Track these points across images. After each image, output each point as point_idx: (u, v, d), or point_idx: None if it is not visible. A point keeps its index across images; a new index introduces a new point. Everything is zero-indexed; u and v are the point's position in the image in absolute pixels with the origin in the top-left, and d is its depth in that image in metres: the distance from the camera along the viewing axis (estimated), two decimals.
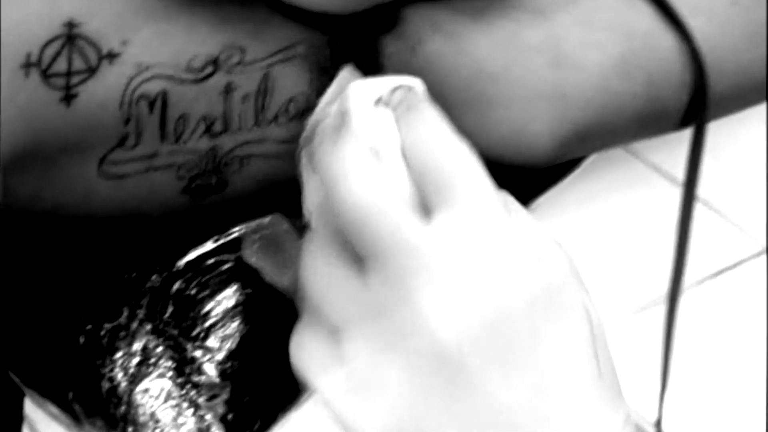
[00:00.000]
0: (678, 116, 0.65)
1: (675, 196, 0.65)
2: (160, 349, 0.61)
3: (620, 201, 2.03)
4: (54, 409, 0.63)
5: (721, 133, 0.75)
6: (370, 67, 0.57)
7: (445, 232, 0.51)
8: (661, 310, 0.68)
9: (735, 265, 1.95)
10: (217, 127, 0.58)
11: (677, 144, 0.68)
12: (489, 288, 0.51)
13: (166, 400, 0.61)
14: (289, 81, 0.58)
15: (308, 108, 0.58)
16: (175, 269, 0.64)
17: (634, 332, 1.83)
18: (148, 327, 0.61)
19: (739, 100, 0.67)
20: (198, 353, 0.62)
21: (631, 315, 1.87)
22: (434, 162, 0.52)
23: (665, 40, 0.62)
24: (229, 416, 0.61)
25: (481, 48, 0.61)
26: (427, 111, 0.54)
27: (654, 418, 0.72)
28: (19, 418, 0.76)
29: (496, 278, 0.51)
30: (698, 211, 0.65)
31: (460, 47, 0.61)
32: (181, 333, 0.62)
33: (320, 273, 0.54)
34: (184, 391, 0.60)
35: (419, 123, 0.53)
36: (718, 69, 0.63)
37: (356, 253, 0.52)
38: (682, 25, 0.62)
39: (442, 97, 0.59)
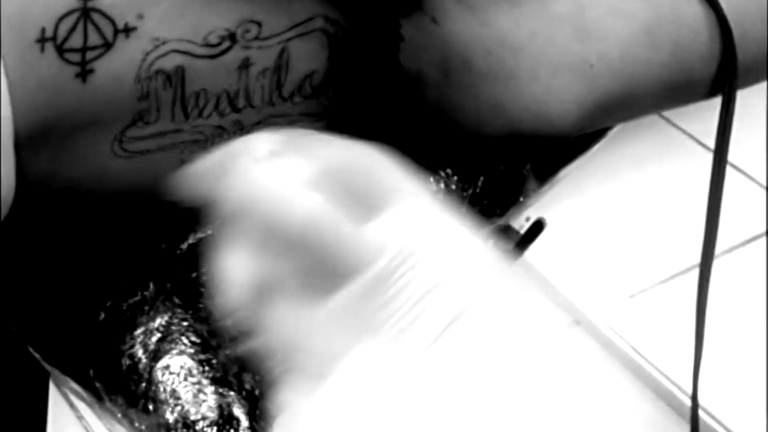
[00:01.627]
0: (706, 85, 0.64)
1: (707, 162, 0.64)
2: (185, 323, 0.61)
3: (652, 167, 2.01)
4: (76, 386, 0.63)
5: (752, 97, 0.74)
6: (390, 41, 0.56)
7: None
8: (694, 277, 0.67)
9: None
10: (239, 102, 0.58)
11: (709, 111, 0.67)
12: None
13: (186, 378, 0.60)
14: (306, 56, 0.57)
15: (325, 84, 0.57)
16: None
17: (668, 300, 1.82)
18: (176, 300, 0.60)
19: (764, 68, 0.66)
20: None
21: (664, 282, 1.86)
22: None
23: (692, 8, 0.61)
24: (256, 391, 0.61)
25: (505, 19, 0.60)
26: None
27: (690, 390, 0.71)
28: (44, 395, 0.76)
29: None
30: (730, 177, 0.64)
31: (483, 19, 0.60)
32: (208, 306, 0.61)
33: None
34: (206, 368, 0.59)
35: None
36: (745, 38, 0.62)
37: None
38: None
39: (466, 69, 0.58)
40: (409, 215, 0.48)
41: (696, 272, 0.67)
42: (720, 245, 0.65)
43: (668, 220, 1.89)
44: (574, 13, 0.60)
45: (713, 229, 0.65)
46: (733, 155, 0.66)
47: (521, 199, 0.64)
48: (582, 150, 0.70)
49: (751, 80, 0.66)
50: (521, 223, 0.69)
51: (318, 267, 0.48)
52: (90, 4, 0.56)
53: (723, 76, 0.62)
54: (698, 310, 0.68)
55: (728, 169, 0.65)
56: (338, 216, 0.47)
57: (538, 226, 0.67)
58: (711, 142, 0.63)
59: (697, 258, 0.65)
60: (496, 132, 0.60)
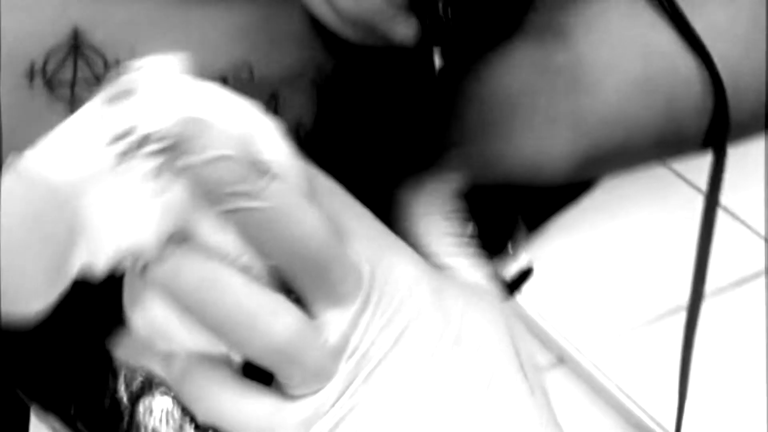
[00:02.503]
0: (698, 139, 0.64)
1: (698, 203, 0.63)
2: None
3: (643, 208, 2.01)
4: (57, 424, 0.62)
5: (751, 145, 0.74)
6: (383, 91, 0.55)
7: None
8: (681, 318, 0.67)
9: (757, 275, 1.93)
10: None
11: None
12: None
13: (167, 420, 0.59)
14: (297, 104, 0.57)
15: (314, 135, 0.57)
16: None
17: (654, 340, 1.81)
18: None
19: (760, 123, 0.66)
20: None
21: (651, 323, 1.85)
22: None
23: (686, 63, 0.61)
24: None
25: (499, 74, 0.60)
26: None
27: (674, 429, 0.71)
28: (25, 428, 0.75)
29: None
30: (721, 219, 0.64)
31: (476, 74, 0.60)
32: None
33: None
34: (188, 411, 0.58)
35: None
36: (739, 93, 0.62)
37: None
38: (703, 49, 0.61)
39: (459, 122, 0.58)
40: None
41: (683, 314, 0.66)
42: (708, 287, 0.64)
43: (658, 260, 1.89)
44: (569, 66, 0.59)
45: (702, 270, 0.65)
46: (727, 200, 0.65)
47: (509, 247, 0.64)
48: (572, 199, 0.70)
49: (746, 134, 0.65)
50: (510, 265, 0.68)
51: None
52: (81, 39, 0.56)
53: (715, 131, 0.61)
54: (684, 351, 0.67)
55: (721, 214, 0.64)
56: None
57: (526, 273, 0.66)
58: (704, 185, 0.62)
59: (684, 299, 0.64)
60: (486, 181, 0.59)
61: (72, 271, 0.48)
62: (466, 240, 0.57)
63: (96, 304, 0.60)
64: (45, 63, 0.55)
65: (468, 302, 0.54)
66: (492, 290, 0.56)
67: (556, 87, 0.59)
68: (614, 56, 0.60)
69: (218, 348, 0.52)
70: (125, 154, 0.46)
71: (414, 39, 0.50)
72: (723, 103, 0.60)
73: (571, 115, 0.60)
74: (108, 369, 0.60)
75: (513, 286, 0.66)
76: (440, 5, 0.49)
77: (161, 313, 0.50)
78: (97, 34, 0.56)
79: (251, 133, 0.48)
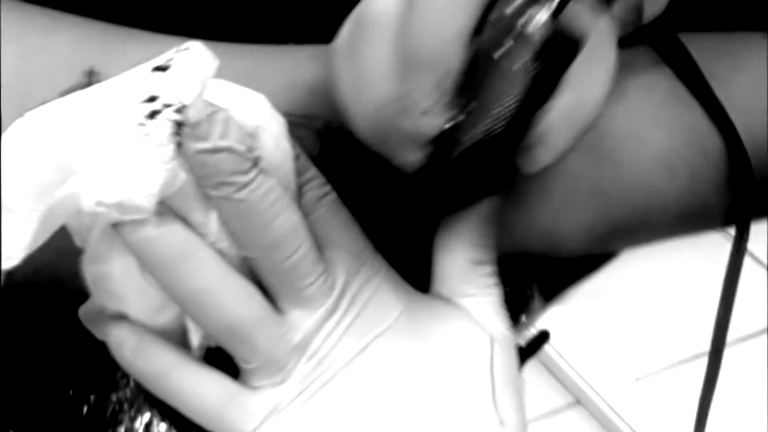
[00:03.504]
0: (721, 215, 0.62)
1: (725, 250, 0.61)
2: (164, 427, 0.59)
3: (665, 253, 1.99)
4: None
5: None
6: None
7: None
8: (701, 364, 0.65)
9: None
10: None
11: None
12: None
13: None
14: (297, 141, 0.55)
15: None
16: None
17: (671, 386, 1.80)
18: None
19: None
20: None
21: (670, 368, 1.84)
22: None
23: (713, 139, 0.59)
24: None
25: None
26: None
27: None
28: None
29: None
30: (747, 266, 0.62)
31: None
32: None
33: None
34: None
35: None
36: (764, 167, 0.60)
37: None
38: (729, 123, 0.58)
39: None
40: None
41: (702, 360, 0.64)
42: (732, 334, 0.63)
43: (681, 305, 1.88)
44: (590, 138, 0.57)
45: (726, 316, 0.63)
46: (755, 248, 0.63)
47: (524, 318, 0.62)
48: (592, 269, 0.68)
49: None
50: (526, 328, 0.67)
51: None
52: (95, 79, 0.56)
53: (738, 208, 0.59)
54: (703, 397, 0.65)
55: (747, 260, 0.62)
56: None
57: (541, 338, 0.65)
58: (732, 229, 0.61)
59: (705, 347, 0.63)
60: (500, 251, 0.57)
61: (54, 199, 0.48)
62: (487, 269, 0.56)
63: (94, 358, 0.60)
64: None
65: (444, 327, 0.54)
66: (493, 321, 0.55)
67: (575, 159, 0.58)
68: (636, 128, 0.58)
69: (173, 324, 0.53)
70: (148, 117, 0.49)
71: (412, 168, 0.51)
72: (748, 179, 0.58)
73: (590, 188, 0.58)
74: (107, 425, 0.60)
75: (528, 350, 0.64)
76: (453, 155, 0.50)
77: (118, 272, 0.52)
78: (115, 73, 0.55)
79: (257, 128, 0.51)
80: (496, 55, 0.46)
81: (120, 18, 0.61)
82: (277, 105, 0.55)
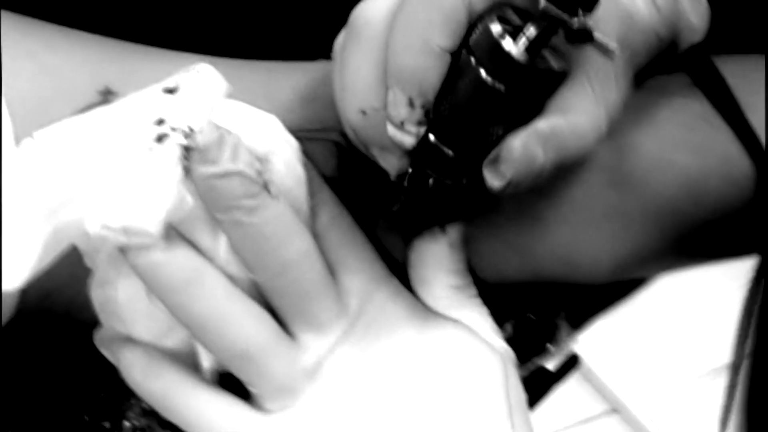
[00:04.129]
0: (747, 242, 0.59)
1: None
2: None
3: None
4: None
5: None
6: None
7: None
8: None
9: None
10: None
11: None
12: None
13: None
14: (314, 157, 0.56)
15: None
16: None
17: (708, 394, 1.78)
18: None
19: None
20: None
21: (706, 376, 1.82)
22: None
23: (742, 164, 0.56)
24: None
25: None
26: None
27: None
28: None
29: None
30: None
31: None
32: None
33: None
34: None
35: None
36: None
37: None
38: (761, 150, 0.56)
39: (497, 217, 0.56)
40: None
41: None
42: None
43: (717, 314, 1.86)
44: (614, 161, 0.55)
45: (746, 329, 0.60)
46: None
47: (551, 347, 0.60)
48: (619, 297, 0.66)
49: None
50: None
51: None
52: (110, 98, 0.56)
53: (763, 235, 0.57)
54: (725, 407, 0.65)
55: None
56: None
57: (571, 363, 0.63)
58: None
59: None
60: (519, 278, 0.56)
61: (60, 221, 0.48)
62: (471, 291, 0.55)
63: (91, 389, 0.59)
64: None
65: (458, 348, 0.53)
66: (495, 340, 0.54)
67: (597, 183, 0.56)
68: (663, 151, 0.56)
69: (182, 346, 0.53)
70: (157, 140, 0.48)
71: (395, 174, 0.51)
72: None
73: (612, 213, 0.56)
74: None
75: (557, 375, 0.63)
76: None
77: (125, 296, 0.51)
78: (127, 93, 0.54)
79: (268, 152, 0.50)
80: (476, 75, 0.46)
81: (134, 35, 0.60)
82: (291, 119, 0.55)
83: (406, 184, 0.51)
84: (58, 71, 0.57)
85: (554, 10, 0.45)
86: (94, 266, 0.52)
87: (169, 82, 0.50)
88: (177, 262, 0.49)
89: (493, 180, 0.48)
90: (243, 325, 0.50)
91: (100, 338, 0.54)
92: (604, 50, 0.46)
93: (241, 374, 0.51)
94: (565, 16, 0.45)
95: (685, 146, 0.56)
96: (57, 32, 0.59)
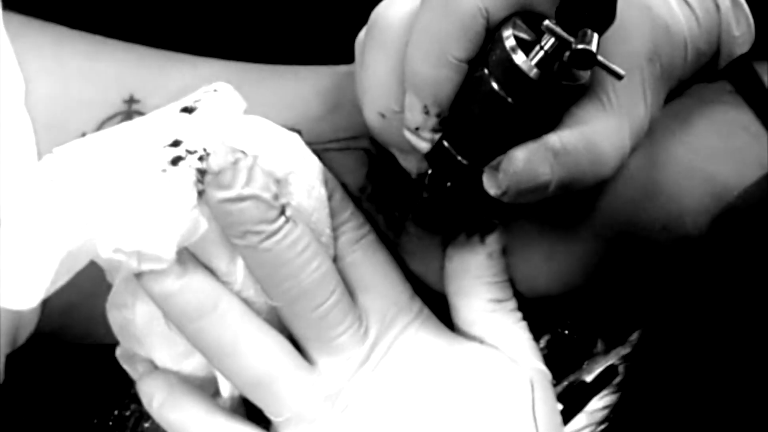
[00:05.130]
0: None
1: None
2: None
3: None
4: None
5: None
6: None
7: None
8: None
9: None
10: None
11: None
12: None
13: None
14: (343, 169, 0.54)
15: (358, 198, 0.55)
16: None
17: None
18: None
19: None
20: None
21: None
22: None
23: None
24: None
25: None
26: None
27: None
28: None
29: None
30: None
31: None
32: None
33: None
34: None
35: None
36: None
37: None
38: None
39: (530, 227, 0.55)
40: None
41: None
42: None
43: None
44: (646, 170, 0.54)
45: None
46: None
47: (585, 364, 0.59)
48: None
49: None
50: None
51: None
52: (134, 107, 0.55)
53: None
54: None
55: None
56: None
57: (609, 373, 0.61)
58: None
59: None
60: (555, 291, 0.55)
61: (74, 243, 0.47)
62: (511, 305, 0.54)
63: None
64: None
65: (483, 374, 0.52)
66: (531, 358, 0.53)
67: (630, 192, 0.54)
68: (698, 161, 0.54)
69: (202, 370, 0.52)
70: (171, 163, 0.47)
71: (416, 174, 0.51)
72: None
73: (644, 222, 0.54)
74: None
75: (595, 386, 0.61)
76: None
77: (142, 319, 0.50)
78: (153, 100, 0.55)
79: (288, 173, 0.49)
80: (489, 87, 0.46)
81: (159, 41, 0.59)
82: (321, 129, 0.54)
83: (426, 182, 0.51)
84: (83, 78, 0.56)
85: (556, 31, 0.43)
86: (114, 284, 0.51)
87: (187, 101, 0.49)
88: (192, 289, 0.48)
89: (490, 187, 0.47)
90: (258, 354, 0.49)
91: (122, 355, 0.53)
92: (612, 73, 0.44)
93: (258, 402, 0.50)
94: (567, 37, 0.43)
95: (720, 156, 0.55)
96: (83, 39, 0.59)
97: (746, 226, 0.47)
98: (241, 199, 0.47)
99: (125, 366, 0.53)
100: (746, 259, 0.46)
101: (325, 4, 0.65)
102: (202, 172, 0.47)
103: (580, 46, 0.43)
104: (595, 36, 0.43)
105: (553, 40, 0.44)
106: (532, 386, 0.52)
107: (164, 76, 0.57)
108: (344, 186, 0.54)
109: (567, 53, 0.44)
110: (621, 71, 0.44)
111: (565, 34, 0.43)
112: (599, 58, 0.43)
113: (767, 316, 0.45)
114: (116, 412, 0.59)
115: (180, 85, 0.55)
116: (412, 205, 0.54)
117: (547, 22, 0.43)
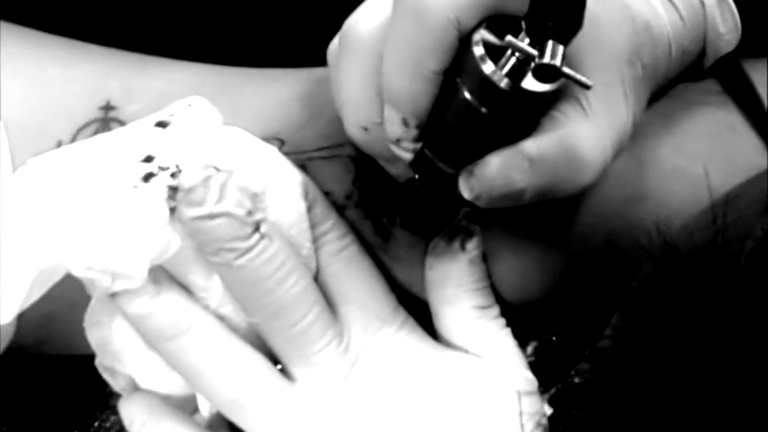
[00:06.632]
0: None
1: None
2: None
3: None
4: None
5: None
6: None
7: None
8: None
9: None
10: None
11: None
12: None
13: None
14: (328, 177, 0.54)
15: (344, 205, 0.54)
16: None
17: None
18: None
19: None
20: None
21: None
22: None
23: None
24: None
25: None
26: None
27: None
28: None
29: None
30: None
31: None
32: None
33: None
34: None
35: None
36: None
37: None
38: None
39: (516, 232, 0.53)
40: None
41: None
42: None
43: None
44: (633, 173, 0.53)
45: None
46: None
47: (572, 373, 0.58)
48: None
49: None
50: None
51: None
52: (111, 114, 0.55)
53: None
54: None
55: None
56: None
57: None
58: None
59: None
60: (537, 297, 0.54)
61: (45, 261, 0.46)
62: (494, 311, 0.53)
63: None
64: (73, 141, 0.54)
65: (467, 386, 0.51)
66: (518, 367, 0.52)
67: (617, 195, 0.53)
68: (685, 164, 0.53)
69: (182, 389, 0.51)
70: (143, 179, 0.47)
71: (403, 180, 0.50)
72: None
73: (630, 224, 0.53)
74: None
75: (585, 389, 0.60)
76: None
77: (119, 338, 0.50)
78: (132, 106, 0.55)
79: (265, 187, 0.48)
80: (462, 97, 0.45)
81: (137, 45, 0.59)
82: (305, 137, 0.54)
83: (413, 188, 0.50)
84: (60, 84, 0.56)
85: (519, 46, 0.42)
86: (91, 299, 0.50)
87: (162, 115, 0.48)
88: (166, 309, 0.48)
89: (464, 191, 0.46)
90: (233, 374, 0.48)
91: (102, 365, 0.52)
92: (579, 83, 0.43)
93: (235, 421, 0.50)
94: (531, 52, 0.42)
95: (707, 158, 0.54)
96: (59, 44, 0.58)
97: (690, 272, 0.46)
98: (212, 216, 0.46)
99: (105, 376, 0.52)
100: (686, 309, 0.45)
101: (300, 5, 0.64)
102: (174, 189, 0.46)
103: (543, 61, 0.42)
104: (560, 48, 0.42)
105: (517, 54, 0.43)
106: (519, 395, 0.51)
107: (142, 83, 0.56)
108: (330, 194, 0.53)
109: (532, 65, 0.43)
110: (588, 82, 0.42)
111: (528, 49, 0.42)
112: (564, 70, 0.42)
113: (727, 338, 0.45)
114: (96, 424, 0.58)
115: (158, 92, 0.55)
116: (399, 211, 0.53)
117: (509, 37, 0.42)
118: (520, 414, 0.50)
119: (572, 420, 0.51)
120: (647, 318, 0.45)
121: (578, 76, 0.42)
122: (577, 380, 0.56)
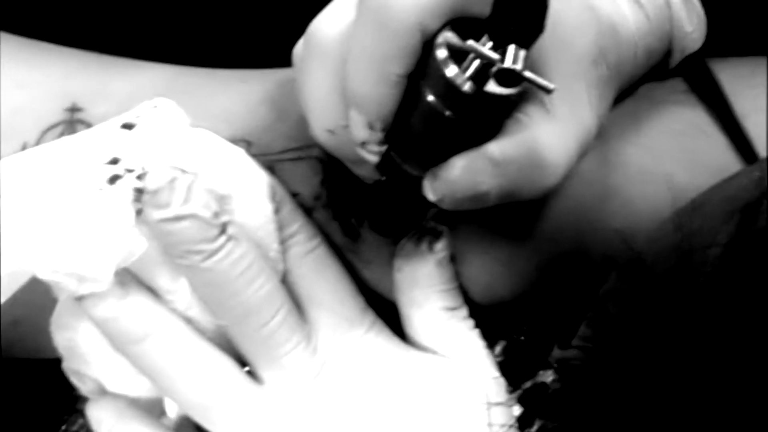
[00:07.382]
0: None
1: None
2: None
3: None
4: None
5: None
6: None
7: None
8: None
9: None
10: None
11: None
12: None
13: None
14: (296, 178, 0.54)
15: (312, 207, 0.54)
16: None
17: None
18: None
19: None
20: None
21: None
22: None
23: (745, 177, 0.53)
24: None
25: None
26: None
27: None
28: None
29: None
30: None
31: None
32: None
33: None
34: None
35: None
36: None
37: None
38: (755, 158, 0.53)
39: (484, 232, 0.53)
40: None
41: None
42: None
43: None
44: (599, 173, 0.53)
45: None
46: None
47: (540, 372, 0.58)
48: None
49: None
50: None
51: None
52: (77, 116, 0.55)
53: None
54: None
55: None
56: None
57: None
58: None
59: None
60: (511, 296, 0.54)
61: (10, 265, 0.46)
62: (463, 312, 0.53)
63: None
64: (38, 142, 0.54)
65: (436, 385, 0.51)
66: (482, 367, 0.52)
67: (586, 195, 0.53)
68: (651, 163, 0.53)
69: (150, 392, 0.51)
70: (109, 181, 0.46)
71: (370, 178, 0.50)
72: None
73: (601, 227, 0.53)
74: None
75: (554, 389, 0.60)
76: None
77: (85, 341, 0.50)
78: (98, 108, 0.54)
79: (232, 189, 0.48)
80: (426, 101, 0.45)
81: (103, 46, 0.59)
82: (272, 139, 0.54)
83: (381, 190, 0.50)
84: (25, 86, 0.55)
85: (480, 51, 0.42)
86: (58, 302, 0.50)
87: (129, 116, 0.48)
88: (132, 312, 0.48)
89: (428, 193, 0.46)
90: (200, 377, 0.48)
91: (68, 367, 0.52)
92: (541, 88, 0.43)
93: (203, 423, 0.49)
94: (492, 56, 0.42)
95: (674, 158, 0.54)
96: (24, 45, 0.58)
97: (655, 281, 0.46)
98: (179, 218, 0.46)
99: (73, 380, 0.52)
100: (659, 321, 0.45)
101: (268, 6, 0.64)
102: (140, 191, 0.46)
103: (504, 65, 0.42)
104: (522, 52, 0.42)
105: (479, 60, 0.43)
106: (487, 396, 0.51)
107: (108, 84, 0.56)
108: (298, 196, 0.53)
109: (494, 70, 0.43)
110: (550, 85, 0.42)
111: (489, 53, 0.42)
112: (525, 74, 0.42)
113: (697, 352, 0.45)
114: (64, 427, 0.58)
115: (124, 93, 0.55)
116: (367, 212, 0.53)
117: (470, 42, 0.42)
118: (489, 414, 0.50)
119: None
120: (614, 328, 0.45)
121: (540, 80, 0.42)
122: (545, 381, 0.57)
